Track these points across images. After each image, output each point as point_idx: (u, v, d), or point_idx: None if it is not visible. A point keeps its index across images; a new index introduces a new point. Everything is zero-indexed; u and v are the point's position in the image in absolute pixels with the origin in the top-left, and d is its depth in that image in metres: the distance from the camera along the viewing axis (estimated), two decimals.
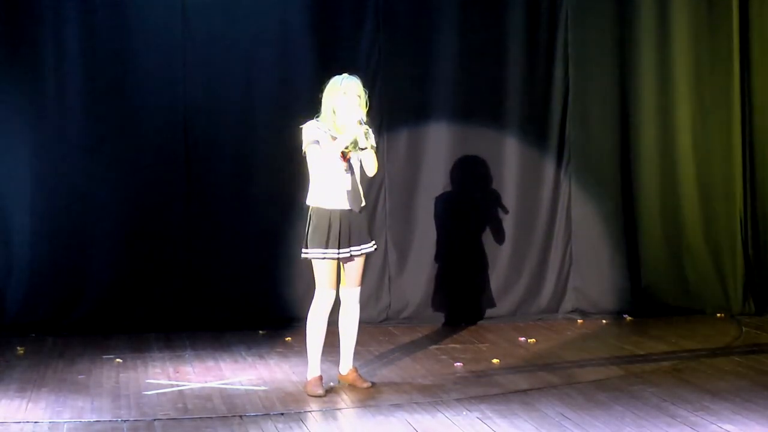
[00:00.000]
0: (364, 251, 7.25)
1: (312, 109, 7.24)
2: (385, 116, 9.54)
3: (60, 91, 9.28)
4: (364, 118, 7.07)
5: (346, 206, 7.15)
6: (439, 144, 9.67)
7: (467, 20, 9.65)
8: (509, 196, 9.71)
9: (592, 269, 9.84)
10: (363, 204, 7.25)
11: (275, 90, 9.47)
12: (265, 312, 9.45)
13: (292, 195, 9.05)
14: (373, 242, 7.32)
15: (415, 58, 9.63)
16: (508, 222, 9.71)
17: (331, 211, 7.14)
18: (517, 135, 9.74)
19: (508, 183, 9.74)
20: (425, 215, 9.65)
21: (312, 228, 7.15)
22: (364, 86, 7.20)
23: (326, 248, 7.10)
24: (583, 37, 9.81)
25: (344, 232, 7.14)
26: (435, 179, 9.67)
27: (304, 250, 7.18)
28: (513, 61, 9.74)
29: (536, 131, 9.79)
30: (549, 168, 9.82)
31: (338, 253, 7.13)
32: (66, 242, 9.30)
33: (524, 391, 7.19)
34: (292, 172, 8.84)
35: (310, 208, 7.20)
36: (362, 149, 7.10)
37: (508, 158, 9.75)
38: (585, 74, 9.83)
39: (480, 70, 9.70)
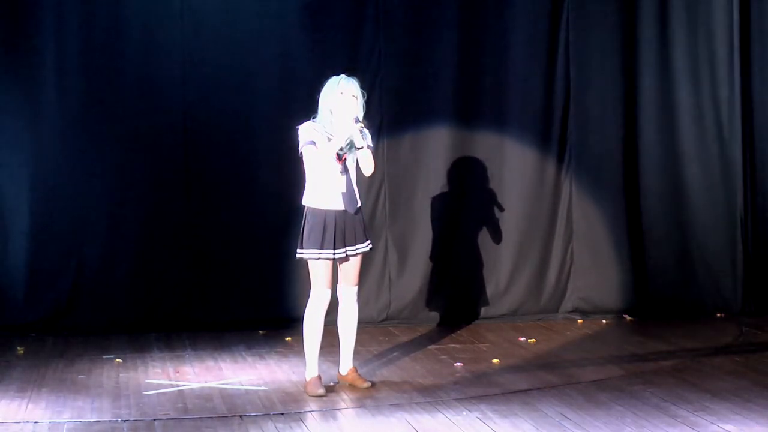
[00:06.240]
0: (359, 251, 7.24)
1: (311, 109, 7.24)
2: (385, 116, 9.54)
3: (59, 92, 9.28)
4: (360, 118, 7.08)
5: (341, 207, 7.15)
6: (439, 144, 9.67)
7: (467, 20, 9.65)
8: (510, 196, 9.71)
9: (592, 269, 9.84)
10: (359, 205, 7.25)
11: (275, 90, 9.47)
12: (265, 312, 9.45)
13: (292, 195, 9.00)
14: (369, 241, 7.32)
15: (415, 58, 9.62)
16: (509, 222, 9.70)
17: (326, 212, 7.14)
18: (517, 135, 9.74)
19: (509, 183, 9.74)
20: (425, 215, 9.65)
21: (308, 228, 7.15)
22: (363, 87, 7.21)
23: (321, 248, 7.10)
24: (584, 36, 9.81)
25: (339, 232, 7.14)
26: (435, 179, 9.67)
27: (299, 250, 7.18)
28: (514, 61, 9.73)
29: (537, 131, 9.79)
30: (550, 168, 9.82)
31: (333, 254, 7.13)
32: (66, 242, 9.30)
33: (524, 391, 7.19)
34: (292, 172, 8.82)
35: (306, 208, 7.21)
36: (358, 149, 7.09)
37: (509, 158, 9.75)
38: (586, 74, 9.82)
39: (480, 71, 9.70)
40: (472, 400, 6.96)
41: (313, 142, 7.09)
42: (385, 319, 9.62)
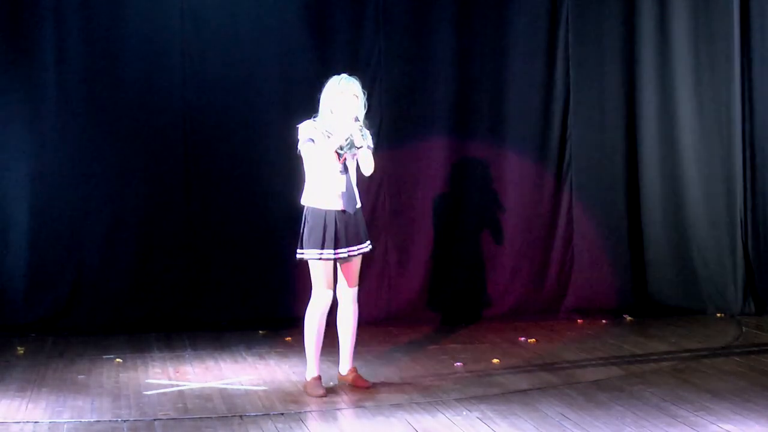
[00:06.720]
0: (360, 251, 7.23)
1: (312, 108, 7.24)
2: (384, 116, 9.54)
3: (59, 92, 9.28)
4: (360, 117, 7.07)
5: (340, 207, 7.14)
6: (439, 144, 9.66)
7: (467, 21, 9.65)
8: (510, 196, 9.71)
9: (592, 269, 9.84)
10: (358, 205, 7.24)
11: (275, 90, 9.47)
12: (265, 312, 9.45)
13: (292, 195, 8.99)
14: (369, 242, 7.31)
15: (415, 59, 9.62)
16: (509, 222, 9.71)
17: (326, 212, 7.13)
18: (518, 135, 9.74)
19: (509, 183, 9.74)
20: (425, 215, 9.65)
21: (308, 229, 7.14)
22: (363, 87, 7.20)
23: (322, 249, 7.09)
24: (583, 37, 9.81)
25: (340, 232, 7.13)
26: (435, 179, 9.67)
27: (299, 250, 7.17)
28: (513, 62, 9.74)
29: (537, 131, 9.79)
30: (550, 168, 9.82)
31: (334, 254, 7.12)
32: (66, 242, 9.31)
33: (524, 391, 7.19)
34: (292, 172, 8.82)
35: (305, 207, 7.20)
36: (358, 148, 7.09)
37: (509, 158, 9.75)
38: (585, 75, 9.83)
39: (480, 71, 9.70)
40: (472, 400, 6.96)
41: (312, 140, 7.09)
42: (386, 319, 9.62)
